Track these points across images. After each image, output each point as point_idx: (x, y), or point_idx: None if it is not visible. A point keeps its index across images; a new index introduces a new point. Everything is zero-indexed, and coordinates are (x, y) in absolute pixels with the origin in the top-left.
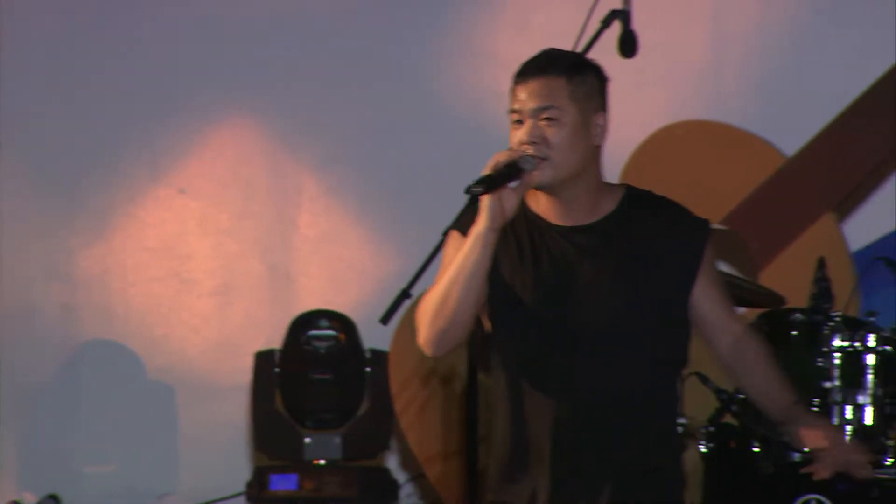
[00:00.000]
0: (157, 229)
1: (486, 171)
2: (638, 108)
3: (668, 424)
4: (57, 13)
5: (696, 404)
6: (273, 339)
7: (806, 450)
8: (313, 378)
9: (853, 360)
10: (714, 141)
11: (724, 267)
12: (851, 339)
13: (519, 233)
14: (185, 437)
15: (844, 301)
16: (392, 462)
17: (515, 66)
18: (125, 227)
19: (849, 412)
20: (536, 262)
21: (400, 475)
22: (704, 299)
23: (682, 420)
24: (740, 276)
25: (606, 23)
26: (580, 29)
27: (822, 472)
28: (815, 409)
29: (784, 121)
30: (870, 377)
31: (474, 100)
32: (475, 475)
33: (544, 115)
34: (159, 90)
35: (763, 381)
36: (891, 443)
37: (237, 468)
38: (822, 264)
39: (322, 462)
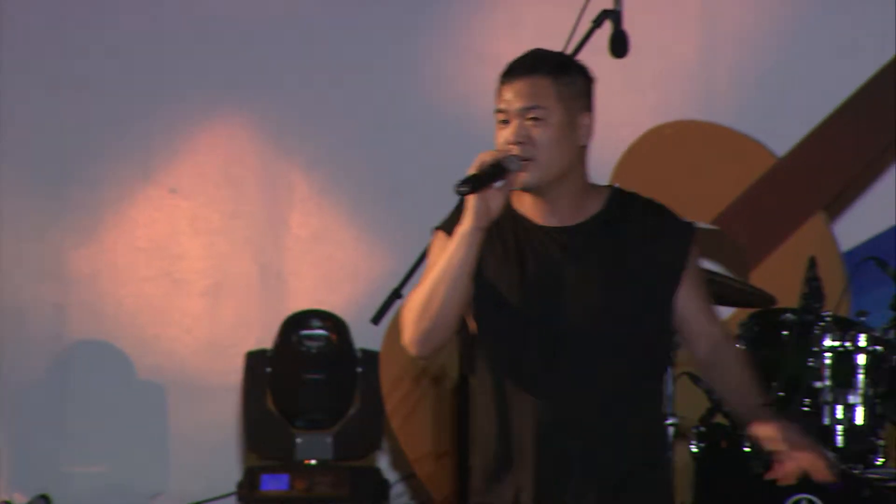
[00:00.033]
0: (148, 229)
1: (471, 170)
2: (629, 108)
3: (652, 425)
4: (47, 13)
5: (688, 404)
6: (264, 339)
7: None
8: (305, 378)
9: (844, 359)
10: (705, 141)
11: (715, 267)
12: (842, 339)
13: (504, 233)
14: (176, 437)
15: (835, 301)
16: (383, 462)
17: None
18: (116, 227)
19: (839, 412)
20: (521, 262)
21: (391, 475)
22: (687, 302)
23: (673, 420)
24: (731, 275)
25: (598, 23)
26: (571, 29)
27: (783, 476)
28: (806, 408)
29: (774, 121)
30: (860, 377)
31: (466, 99)
32: (466, 475)
33: (530, 115)
34: (150, 90)
35: (735, 384)
36: (881, 442)
37: (228, 468)
38: (812, 264)
39: (313, 462)
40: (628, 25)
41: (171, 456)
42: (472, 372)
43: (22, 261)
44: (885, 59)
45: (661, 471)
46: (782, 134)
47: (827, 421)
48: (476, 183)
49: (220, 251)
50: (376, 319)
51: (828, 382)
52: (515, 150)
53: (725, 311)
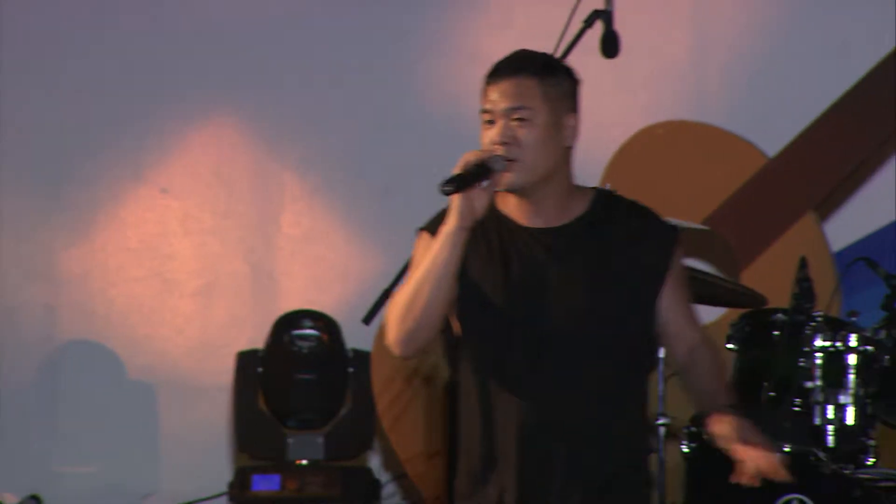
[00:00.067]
0: (139, 229)
1: (455, 170)
2: (620, 109)
3: (636, 427)
4: (38, 13)
5: (679, 404)
6: (255, 339)
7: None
8: (296, 378)
9: (835, 359)
10: (696, 141)
11: (706, 267)
12: (833, 339)
13: (489, 234)
14: (168, 437)
15: (826, 301)
16: (374, 462)
17: None
18: (107, 227)
19: (830, 412)
20: (506, 263)
21: (382, 475)
22: (669, 305)
23: (664, 420)
24: (722, 275)
25: (589, 23)
26: (562, 29)
27: (744, 479)
28: (797, 408)
29: (766, 121)
30: (851, 377)
31: (458, 100)
32: (455, 475)
33: (516, 116)
34: (141, 90)
35: (706, 387)
36: (872, 442)
37: (219, 468)
38: (803, 264)
39: (304, 462)
40: (619, 26)
41: (162, 456)
42: (457, 372)
43: (13, 261)
44: (876, 59)
45: (645, 473)
46: (773, 134)
47: (818, 421)
48: (460, 183)
49: (211, 251)
50: (367, 319)
51: (819, 382)
52: (500, 150)
53: (716, 312)
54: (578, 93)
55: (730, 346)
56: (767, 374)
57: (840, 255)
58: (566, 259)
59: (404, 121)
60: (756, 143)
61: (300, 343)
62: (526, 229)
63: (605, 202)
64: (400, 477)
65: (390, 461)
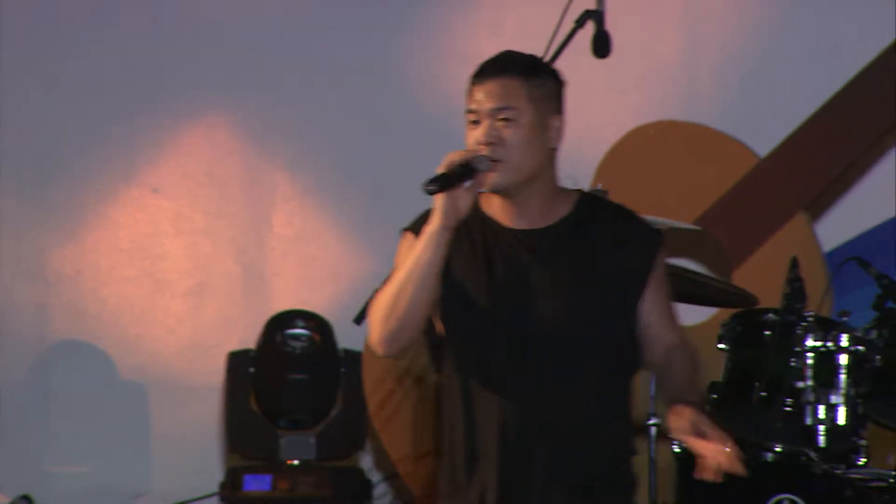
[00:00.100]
0: (130, 229)
1: (439, 169)
2: (611, 109)
3: (620, 428)
4: (27, 12)
5: None
6: (247, 339)
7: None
8: (288, 378)
9: (826, 359)
10: (688, 141)
11: (697, 267)
12: (824, 339)
13: (472, 234)
14: (159, 437)
15: (817, 301)
16: (366, 462)
17: None
18: (98, 227)
19: (822, 412)
20: (489, 264)
21: (374, 475)
22: (650, 307)
23: (655, 420)
24: (713, 275)
25: (580, 23)
26: (554, 29)
27: (706, 475)
28: (788, 408)
29: (757, 121)
30: (843, 377)
31: (450, 100)
32: None
33: (501, 116)
34: (133, 89)
35: (677, 386)
36: (863, 442)
37: (211, 468)
38: (794, 264)
39: (296, 462)
40: (611, 26)
41: (153, 456)
42: (439, 372)
43: (3, 261)
44: (867, 59)
45: (629, 475)
46: (765, 134)
47: (809, 421)
48: (444, 182)
49: (202, 251)
50: (359, 320)
51: (810, 382)
52: (485, 150)
53: (707, 311)
54: (563, 94)
55: (721, 346)
56: (759, 374)
57: (831, 255)
58: (550, 260)
59: (396, 121)
60: (747, 144)
61: (292, 343)
62: (510, 230)
63: (589, 204)
64: (391, 477)
65: (382, 461)
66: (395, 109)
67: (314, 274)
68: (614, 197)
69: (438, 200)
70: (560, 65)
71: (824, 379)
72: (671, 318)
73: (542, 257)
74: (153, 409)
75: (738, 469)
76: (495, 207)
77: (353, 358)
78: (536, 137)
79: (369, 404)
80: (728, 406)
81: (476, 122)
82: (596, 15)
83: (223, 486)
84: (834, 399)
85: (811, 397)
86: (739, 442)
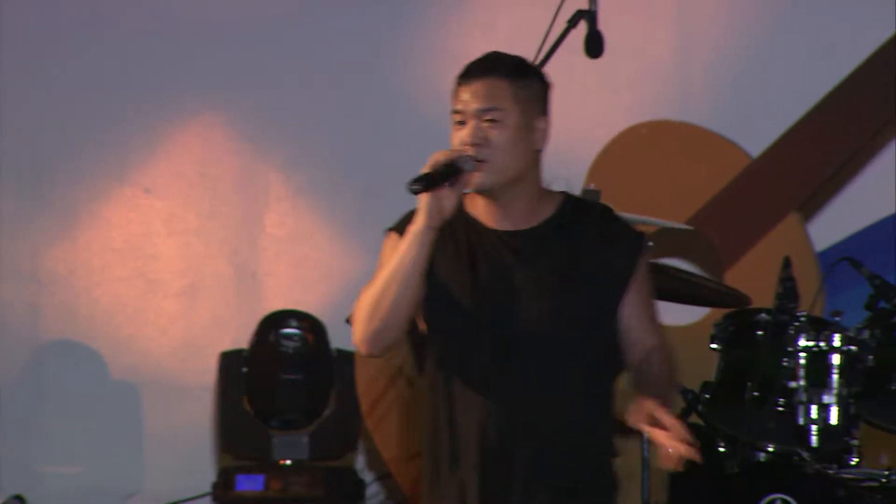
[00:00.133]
0: (123, 229)
1: (424, 169)
2: (604, 109)
3: (602, 430)
4: (20, 11)
5: None
6: (239, 339)
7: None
8: (281, 378)
9: (818, 359)
10: (680, 141)
11: (690, 267)
12: (817, 339)
13: (457, 235)
14: (151, 437)
15: (810, 301)
16: (359, 462)
17: None
18: (91, 227)
19: (814, 412)
20: (473, 264)
21: (366, 475)
22: (630, 310)
23: None
24: (706, 275)
25: (573, 23)
26: (547, 29)
27: (666, 463)
28: (781, 408)
29: (749, 121)
30: (835, 377)
31: (443, 100)
32: None
33: (487, 117)
34: (125, 89)
35: (650, 386)
36: (856, 442)
37: (203, 468)
38: (787, 264)
39: (288, 462)
40: (603, 26)
41: (146, 456)
42: (422, 372)
43: None
44: (859, 59)
45: (611, 477)
46: (757, 134)
47: (801, 421)
48: (429, 182)
49: (195, 251)
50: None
51: (802, 382)
52: (470, 150)
53: (700, 311)
54: (549, 96)
55: (714, 346)
56: (751, 374)
57: (824, 255)
58: (534, 262)
59: (389, 121)
60: (740, 144)
61: (286, 343)
62: (494, 232)
63: (573, 206)
64: (384, 477)
65: (374, 461)
66: (388, 110)
67: (307, 274)
68: (607, 197)
69: (423, 200)
70: (553, 65)
71: (817, 379)
72: (652, 320)
73: (525, 259)
74: (146, 409)
75: (695, 457)
76: (480, 208)
77: (346, 358)
78: (522, 139)
79: (362, 404)
80: (721, 406)
81: (462, 123)
82: (588, 15)
83: (216, 486)
84: (826, 399)
85: (803, 397)
86: (732, 442)
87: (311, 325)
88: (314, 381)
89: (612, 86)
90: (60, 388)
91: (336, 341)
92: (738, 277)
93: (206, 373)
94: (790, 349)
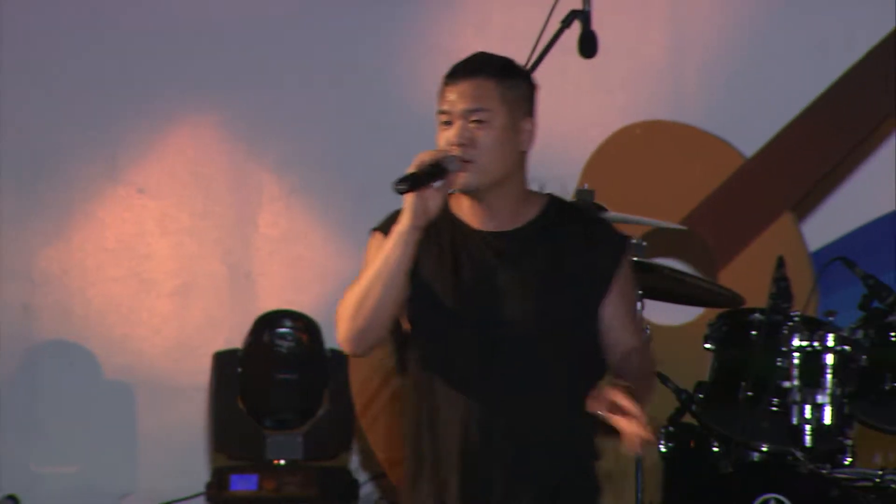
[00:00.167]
0: (116, 229)
1: (410, 169)
2: (598, 109)
3: (585, 432)
4: (20, 11)
5: (656, 404)
6: (233, 339)
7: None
8: (275, 378)
9: (812, 359)
10: (674, 141)
11: (684, 266)
12: (810, 339)
13: (441, 235)
14: (145, 437)
15: (803, 301)
16: (353, 462)
17: None
18: (84, 227)
19: (808, 412)
20: (457, 265)
21: (360, 475)
22: (613, 312)
23: None
24: (699, 275)
25: (567, 23)
26: (540, 29)
27: (628, 447)
28: (775, 408)
29: (743, 121)
30: (829, 377)
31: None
32: None
33: (474, 118)
34: (119, 89)
35: (622, 382)
36: (849, 442)
37: (198, 468)
38: (781, 264)
39: (282, 462)
40: (597, 26)
41: (140, 456)
42: (404, 371)
43: None
44: (853, 59)
45: (594, 479)
46: (751, 134)
47: (795, 421)
48: (414, 182)
49: (188, 251)
50: None
51: (796, 382)
52: (456, 150)
53: (694, 311)
54: (536, 97)
55: (707, 345)
56: (745, 374)
57: (817, 255)
58: (518, 263)
59: (382, 121)
60: (733, 143)
61: (280, 343)
62: (478, 233)
63: (557, 207)
64: (378, 477)
65: (368, 461)
66: (381, 109)
67: (301, 274)
68: (601, 197)
69: (408, 200)
70: (546, 65)
71: (810, 379)
72: (633, 321)
73: (509, 260)
74: (139, 409)
75: (651, 440)
76: (464, 209)
77: (340, 358)
78: (508, 140)
79: (356, 404)
80: (714, 406)
81: (448, 123)
82: (582, 15)
83: (209, 485)
84: (820, 399)
85: (797, 397)
86: (726, 441)
87: (305, 325)
88: (308, 381)
89: (606, 86)
90: (54, 388)
91: (330, 341)
92: (731, 277)
93: (200, 373)
94: (784, 349)
